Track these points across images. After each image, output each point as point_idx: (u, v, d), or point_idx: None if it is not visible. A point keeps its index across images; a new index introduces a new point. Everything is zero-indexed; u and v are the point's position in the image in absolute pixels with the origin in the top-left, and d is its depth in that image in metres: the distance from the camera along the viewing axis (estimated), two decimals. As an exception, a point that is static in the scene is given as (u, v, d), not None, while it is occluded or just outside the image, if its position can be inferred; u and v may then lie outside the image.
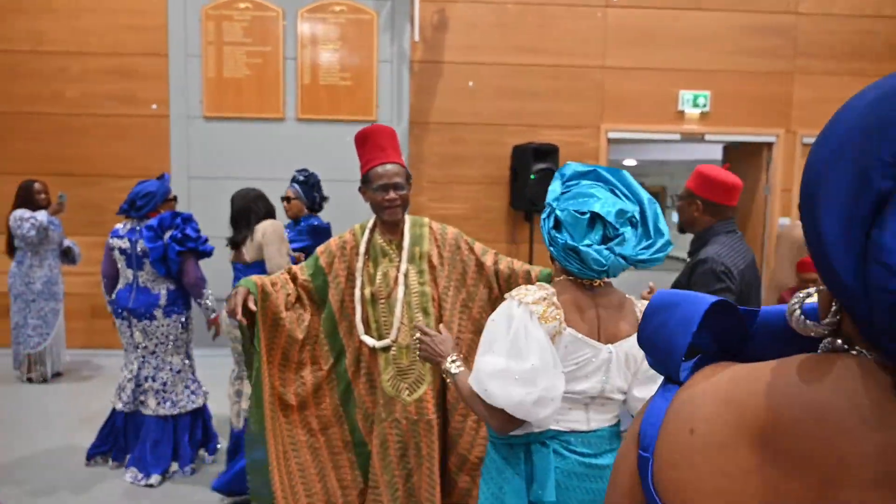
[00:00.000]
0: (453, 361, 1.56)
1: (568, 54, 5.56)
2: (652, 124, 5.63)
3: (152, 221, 2.96)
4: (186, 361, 3.27)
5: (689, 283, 2.21)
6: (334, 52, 5.46)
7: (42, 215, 4.60)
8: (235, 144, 5.48)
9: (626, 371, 1.44)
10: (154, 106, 5.47)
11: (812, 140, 5.73)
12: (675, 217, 2.49)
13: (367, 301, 2.14)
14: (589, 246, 1.35)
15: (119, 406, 3.24)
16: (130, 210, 3.11)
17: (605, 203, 1.35)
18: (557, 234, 1.38)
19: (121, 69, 5.46)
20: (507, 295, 1.44)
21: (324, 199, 4.02)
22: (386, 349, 2.12)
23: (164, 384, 3.14)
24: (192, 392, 3.28)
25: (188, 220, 3.00)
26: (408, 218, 2.20)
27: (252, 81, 5.45)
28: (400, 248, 2.16)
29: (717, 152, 6.70)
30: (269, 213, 3.21)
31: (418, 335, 1.66)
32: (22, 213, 4.65)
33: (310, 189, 3.90)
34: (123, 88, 5.48)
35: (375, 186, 2.09)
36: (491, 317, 1.44)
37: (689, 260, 2.31)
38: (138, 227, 3.14)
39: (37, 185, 4.82)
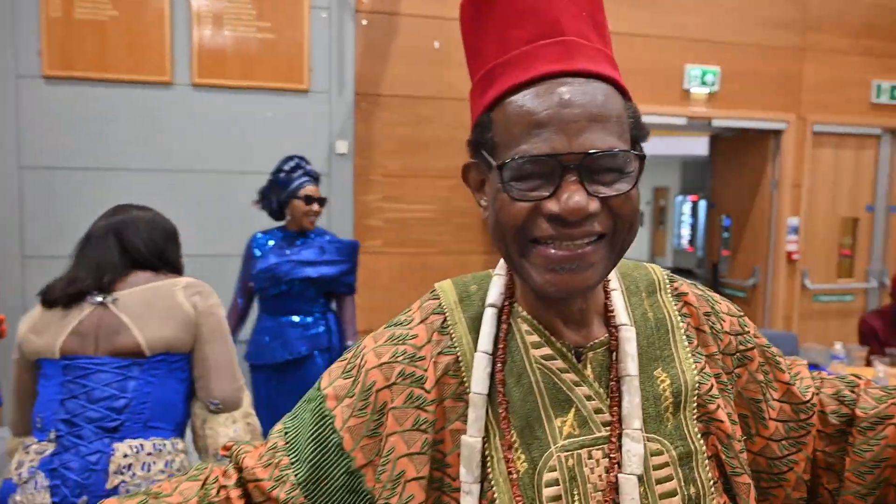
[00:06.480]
0: None
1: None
2: (654, 104, 4.56)
3: None
4: None
5: None
6: (246, -9, 3.86)
7: None
8: (95, 119, 3.70)
9: None
10: (-41, 58, 3.57)
11: (824, 129, 5.09)
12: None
13: None
14: None
15: None
16: None
17: None
18: None
19: None
20: None
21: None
22: None
23: None
24: None
25: None
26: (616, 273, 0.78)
27: (120, 27, 3.71)
28: (602, 356, 0.71)
29: (698, 146, 5.84)
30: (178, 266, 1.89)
31: None
32: None
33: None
34: None
35: (516, 160, 0.61)
36: None
37: None
38: None
39: None
